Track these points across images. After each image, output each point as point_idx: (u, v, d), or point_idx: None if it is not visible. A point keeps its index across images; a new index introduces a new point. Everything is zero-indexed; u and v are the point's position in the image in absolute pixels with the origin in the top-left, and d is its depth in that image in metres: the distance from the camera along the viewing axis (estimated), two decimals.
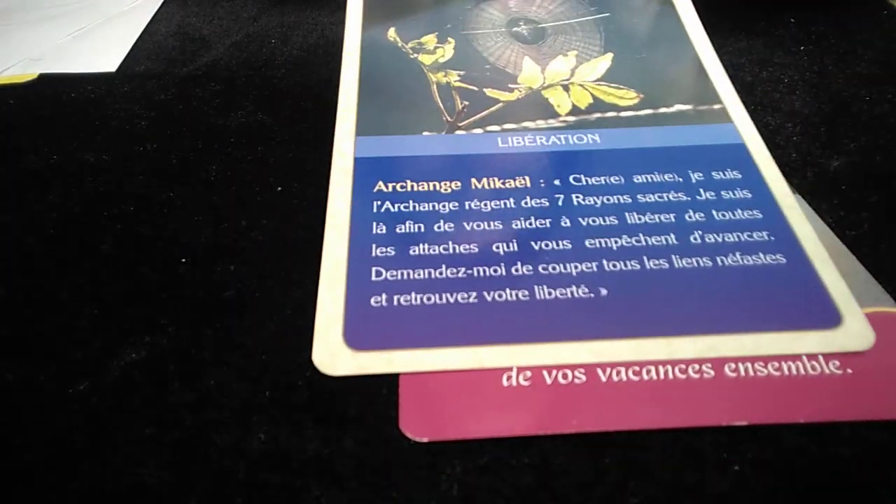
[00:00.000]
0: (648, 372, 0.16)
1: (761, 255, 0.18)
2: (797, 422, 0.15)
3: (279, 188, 0.21)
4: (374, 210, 0.19)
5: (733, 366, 0.16)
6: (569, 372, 0.16)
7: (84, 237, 0.20)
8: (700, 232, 0.18)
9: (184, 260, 0.19)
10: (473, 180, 0.19)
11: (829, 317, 0.16)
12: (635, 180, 0.20)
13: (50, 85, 0.26)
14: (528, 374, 0.16)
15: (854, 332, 0.16)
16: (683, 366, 0.16)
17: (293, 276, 0.18)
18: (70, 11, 0.32)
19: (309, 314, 0.17)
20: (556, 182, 0.19)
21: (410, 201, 0.19)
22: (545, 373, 0.16)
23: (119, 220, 0.20)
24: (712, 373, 0.16)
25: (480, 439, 0.15)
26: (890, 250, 0.19)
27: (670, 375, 0.16)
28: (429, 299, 0.17)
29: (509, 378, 0.16)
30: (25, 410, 0.15)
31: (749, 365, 0.16)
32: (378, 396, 0.15)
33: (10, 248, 0.19)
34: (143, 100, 0.25)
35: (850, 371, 0.16)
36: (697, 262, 0.17)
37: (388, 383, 0.16)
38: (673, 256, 0.17)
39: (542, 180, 0.19)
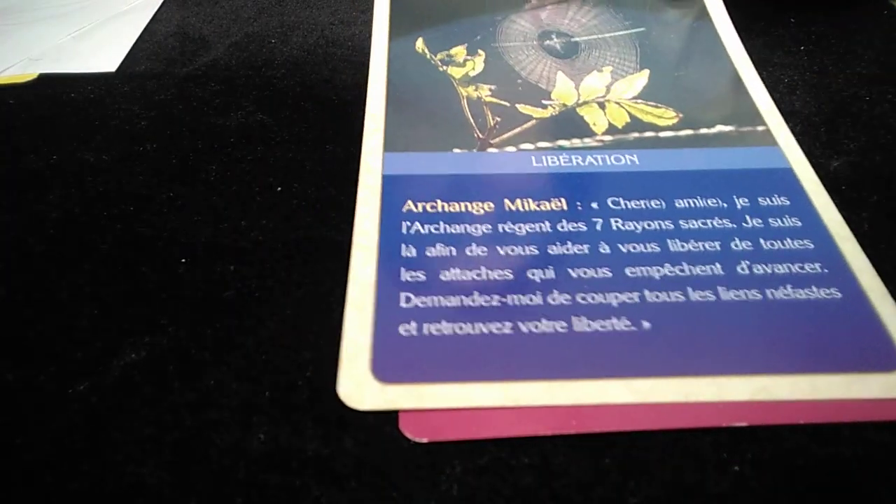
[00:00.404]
0: None
1: (814, 289, 0.17)
2: (797, 422, 0.15)
3: (279, 188, 0.21)
4: (404, 231, 0.18)
5: None
6: None
7: (84, 237, 0.20)
8: (747, 262, 0.17)
9: (184, 260, 0.19)
10: (507, 201, 0.18)
11: (890, 359, 0.15)
12: (677, 205, 0.18)
13: (50, 85, 0.26)
14: None
15: None
16: None
17: (293, 276, 0.18)
18: (70, 11, 0.32)
19: (309, 314, 0.17)
20: (594, 205, 0.18)
21: (441, 223, 0.18)
22: None
23: (119, 220, 0.20)
24: None
25: (480, 439, 0.14)
26: (890, 250, 0.19)
27: None
28: (461, 329, 0.16)
29: None
30: (25, 410, 0.15)
31: None
32: None
33: (10, 248, 0.19)
34: (143, 100, 0.25)
35: None
36: (746, 294, 0.16)
37: None
38: (719, 288, 0.16)
39: (578, 203, 0.18)
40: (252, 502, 0.14)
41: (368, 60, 0.28)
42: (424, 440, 0.14)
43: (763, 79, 0.26)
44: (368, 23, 0.31)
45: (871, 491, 0.14)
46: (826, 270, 0.17)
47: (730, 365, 0.15)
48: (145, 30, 0.30)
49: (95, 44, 0.29)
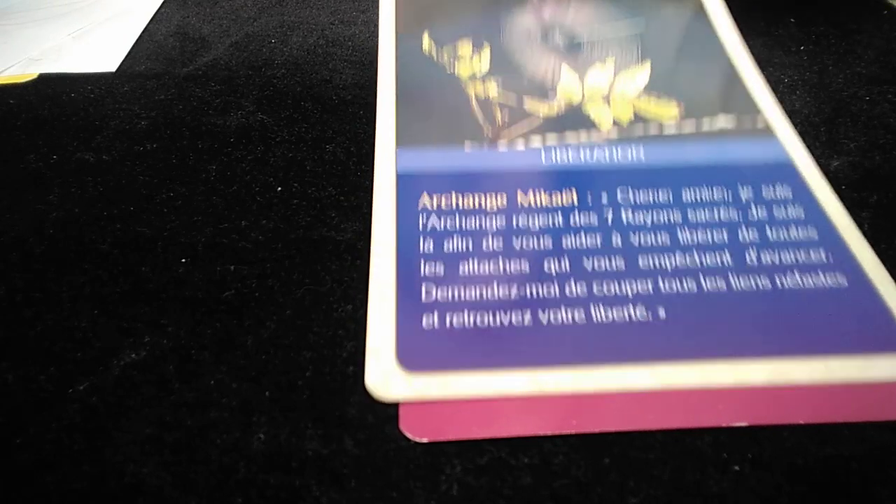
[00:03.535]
0: None
1: (821, 276, 0.17)
2: (797, 422, 0.15)
3: (279, 188, 0.21)
4: (420, 227, 0.18)
5: None
6: None
7: (84, 237, 0.20)
8: (755, 250, 0.18)
9: (184, 260, 0.19)
10: (520, 194, 0.19)
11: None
12: (684, 197, 0.19)
13: (50, 85, 0.26)
14: None
15: None
16: None
17: (293, 276, 0.18)
18: (70, 11, 0.32)
19: (309, 314, 0.17)
20: (604, 198, 0.19)
21: (457, 216, 0.18)
22: None
23: (119, 220, 0.20)
24: None
25: (480, 439, 0.14)
26: (890, 250, 0.19)
27: None
28: (482, 320, 0.16)
29: None
30: (25, 410, 0.15)
31: None
32: None
33: (10, 248, 0.19)
34: (143, 100, 0.25)
35: None
36: (756, 282, 0.17)
37: None
38: (730, 276, 0.17)
39: (589, 196, 0.19)
40: (252, 502, 0.14)
41: (369, 59, 0.28)
42: (424, 440, 0.14)
43: (763, 78, 0.26)
44: (369, 22, 0.31)
45: (871, 491, 0.14)
46: (831, 258, 0.18)
47: (745, 349, 0.16)
48: (145, 30, 0.30)
49: (95, 44, 0.29)
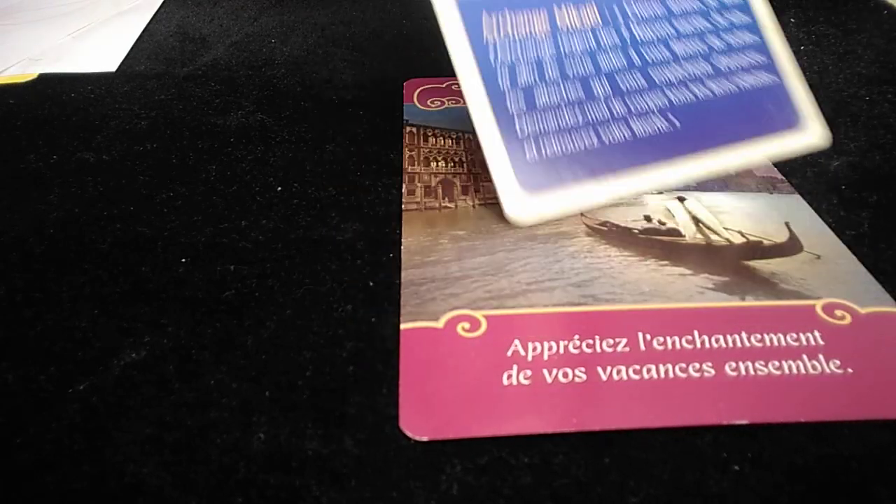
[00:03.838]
0: (649, 371, 0.16)
1: (761, 74, 0.21)
2: (797, 421, 0.15)
3: (279, 188, 0.21)
4: (493, 61, 0.20)
5: (734, 364, 0.16)
6: (569, 370, 0.16)
7: (84, 237, 0.20)
8: (723, 56, 0.21)
9: (184, 260, 0.19)
10: (557, 13, 0.21)
11: (796, 120, 0.21)
12: (672, 9, 0.22)
13: (50, 85, 0.26)
14: (529, 372, 0.16)
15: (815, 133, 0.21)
16: (684, 364, 0.16)
17: (293, 276, 0.18)
18: (70, 11, 0.32)
19: (309, 314, 0.17)
20: (618, 13, 0.21)
21: (518, 45, 0.20)
22: (545, 371, 0.16)
23: (119, 220, 0.20)
24: (712, 371, 0.16)
25: (480, 439, 0.14)
26: (890, 250, 0.19)
27: (670, 374, 0.16)
28: (566, 146, 0.19)
29: (509, 377, 0.16)
30: (25, 410, 0.15)
31: (749, 364, 0.16)
32: (378, 396, 0.15)
33: (10, 248, 0.19)
34: (143, 100, 0.25)
35: (850, 371, 0.16)
36: (727, 84, 0.21)
37: (388, 382, 0.16)
38: (709, 82, 0.21)
39: (606, 11, 0.22)
40: (252, 502, 0.14)
41: (369, 60, 0.28)
42: (424, 439, 0.14)
43: None
44: (368, 21, 0.31)
45: (871, 491, 0.14)
46: (766, 59, 0.22)
47: (718, 141, 0.20)
48: (145, 30, 0.30)
49: (95, 44, 0.29)
